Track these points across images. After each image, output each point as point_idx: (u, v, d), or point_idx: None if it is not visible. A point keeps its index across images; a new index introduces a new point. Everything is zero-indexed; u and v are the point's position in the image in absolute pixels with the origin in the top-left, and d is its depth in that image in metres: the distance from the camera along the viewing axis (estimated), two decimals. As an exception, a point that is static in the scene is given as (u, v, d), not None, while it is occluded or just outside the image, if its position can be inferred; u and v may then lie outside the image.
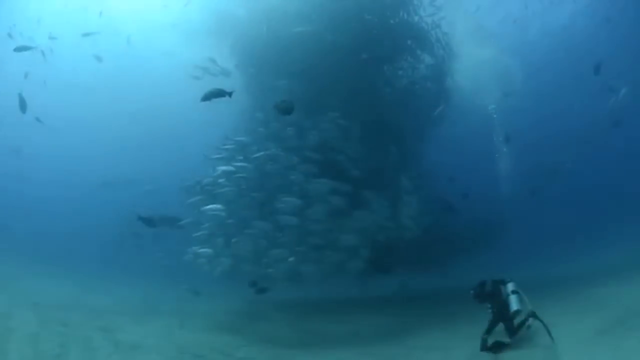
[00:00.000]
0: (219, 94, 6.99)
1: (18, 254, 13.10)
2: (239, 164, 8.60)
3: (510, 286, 5.60)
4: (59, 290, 9.83)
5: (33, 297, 8.08)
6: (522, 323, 5.37)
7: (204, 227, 8.64)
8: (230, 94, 7.00)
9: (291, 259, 7.92)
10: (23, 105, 9.98)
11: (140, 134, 24.27)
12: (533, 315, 5.32)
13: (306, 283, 8.78)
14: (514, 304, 5.38)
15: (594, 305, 6.46)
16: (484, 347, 5.31)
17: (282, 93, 9.14)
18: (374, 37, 10.27)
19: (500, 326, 5.48)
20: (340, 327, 7.63)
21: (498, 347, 5.25)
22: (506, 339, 5.32)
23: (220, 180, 8.47)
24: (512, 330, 5.36)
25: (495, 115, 16.86)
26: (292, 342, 6.64)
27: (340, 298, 10.49)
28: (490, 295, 5.68)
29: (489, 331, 5.47)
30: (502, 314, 5.48)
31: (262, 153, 8.54)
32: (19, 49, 13.59)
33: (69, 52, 19.13)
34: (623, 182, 19.91)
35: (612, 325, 5.22)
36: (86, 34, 15.62)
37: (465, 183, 13.25)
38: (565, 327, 5.33)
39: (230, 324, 7.71)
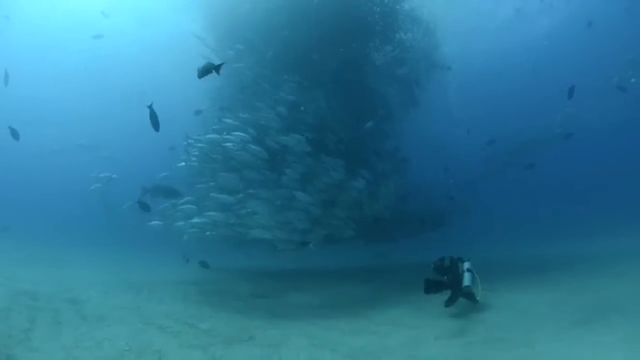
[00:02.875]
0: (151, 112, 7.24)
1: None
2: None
3: (466, 264, 6.30)
4: (31, 264, 9.71)
5: (5, 272, 8.00)
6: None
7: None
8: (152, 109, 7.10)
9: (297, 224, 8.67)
10: (15, 135, 10.00)
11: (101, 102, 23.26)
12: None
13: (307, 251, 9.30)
14: (466, 280, 6.09)
15: (570, 294, 6.43)
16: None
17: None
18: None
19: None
20: (308, 299, 7.83)
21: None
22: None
23: (228, 144, 8.88)
24: (453, 301, 6.26)
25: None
26: (258, 313, 6.70)
27: (308, 269, 10.78)
28: (448, 270, 6.36)
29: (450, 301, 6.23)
30: (454, 286, 6.19)
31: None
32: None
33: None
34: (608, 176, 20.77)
35: (591, 318, 5.20)
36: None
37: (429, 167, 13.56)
38: (541, 318, 5.51)
39: (198, 295, 7.68)
